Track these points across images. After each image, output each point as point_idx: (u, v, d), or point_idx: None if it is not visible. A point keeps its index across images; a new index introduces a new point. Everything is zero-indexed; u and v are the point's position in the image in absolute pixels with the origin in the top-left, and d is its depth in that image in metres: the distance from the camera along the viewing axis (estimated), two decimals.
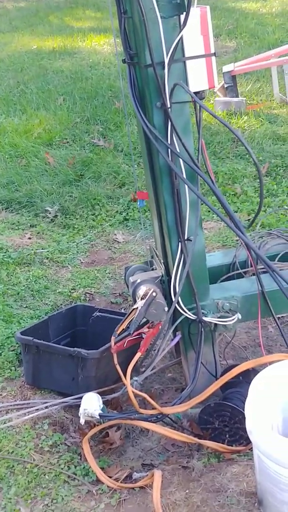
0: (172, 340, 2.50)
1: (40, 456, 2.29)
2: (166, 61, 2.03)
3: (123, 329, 2.37)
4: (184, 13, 1.97)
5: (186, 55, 2.07)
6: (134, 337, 2.36)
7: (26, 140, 5.31)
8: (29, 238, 3.83)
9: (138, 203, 2.53)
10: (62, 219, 4.09)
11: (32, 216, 4.16)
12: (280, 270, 2.57)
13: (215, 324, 2.42)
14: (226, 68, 5.35)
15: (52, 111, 6.10)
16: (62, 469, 2.25)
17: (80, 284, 3.38)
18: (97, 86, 6.47)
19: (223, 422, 2.33)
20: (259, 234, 2.84)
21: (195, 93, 2.13)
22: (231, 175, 4.31)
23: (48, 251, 3.67)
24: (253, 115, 5.19)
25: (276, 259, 2.66)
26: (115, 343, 2.34)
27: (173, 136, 2.14)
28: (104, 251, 3.73)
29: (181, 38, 2.03)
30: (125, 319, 2.39)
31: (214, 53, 2.09)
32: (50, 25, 11.06)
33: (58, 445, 2.36)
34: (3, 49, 9.71)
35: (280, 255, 2.68)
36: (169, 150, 2.15)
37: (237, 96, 5.35)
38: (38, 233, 3.94)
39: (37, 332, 2.72)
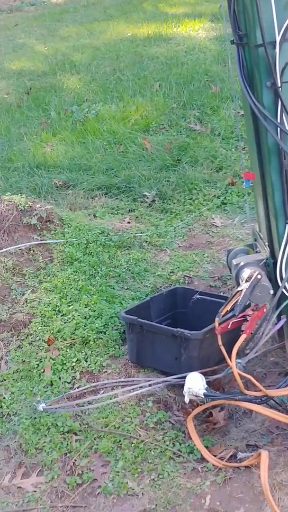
0: (277, 323, 2.48)
1: (145, 432, 2.35)
2: (278, 40, 2.01)
3: (227, 311, 2.38)
4: None
5: None
6: (238, 319, 2.37)
7: (123, 126, 5.39)
8: (128, 223, 3.91)
9: (244, 183, 2.52)
10: (160, 203, 4.14)
11: (131, 201, 4.23)
12: None
13: None
14: None
15: (149, 97, 6.15)
16: (167, 446, 2.30)
17: (178, 267, 3.42)
18: (193, 71, 6.45)
19: None
20: None
21: None
22: None
23: (146, 234, 3.73)
24: None
25: None
26: (219, 324, 2.35)
27: (283, 115, 2.12)
28: (202, 235, 3.75)
29: None
30: (229, 301, 2.39)
31: None
32: (144, 12, 11.11)
33: (163, 422, 2.42)
34: (98, 37, 9.88)
35: None
36: (278, 129, 2.13)
37: None
38: (136, 217, 4.01)
39: (139, 312, 2.79)
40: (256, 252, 2.61)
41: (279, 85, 2.07)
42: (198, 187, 4.22)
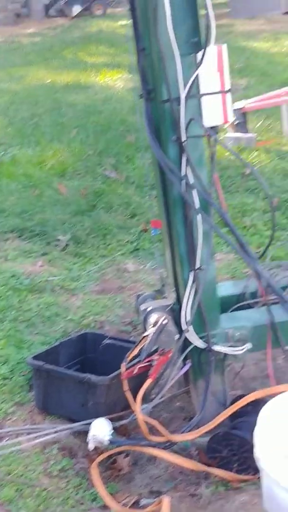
0: (182, 368, 2.54)
1: (49, 480, 2.31)
2: (183, 96, 2.11)
3: (134, 356, 2.41)
4: (201, 51, 2.07)
5: (202, 91, 2.16)
6: (144, 364, 2.40)
7: (39, 171, 5.43)
8: (41, 266, 3.90)
9: (152, 231, 2.60)
10: (74, 247, 4.16)
11: (44, 245, 4.23)
12: None
13: (225, 354, 2.46)
14: (237, 105, 5.48)
15: (66, 143, 6.24)
16: (70, 493, 2.26)
17: (90, 311, 3.43)
18: (110, 120, 6.62)
19: (232, 451, 2.35)
20: (268, 266, 2.89)
21: (210, 128, 2.23)
22: (241, 209, 4.39)
23: (59, 278, 3.73)
24: (263, 151, 5.30)
25: (286, 290, 2.71)
26: (125, 370, 2.37)
27: (187, 168, 2.22)
28: (114, 279, 3.79)
29: (198, 75, 2.12)
30: (135, 346, 2.43)
31: (229, 89, 2.18)
32: (64, 59, 11.34)
33: (67, 470, 2.38)
34: (18, 82, 9.96)
35: None
36: (182, 182, 2.22)
37: (247, 132, 5.47)
38: (49, 261, 4.00)
39: (48, 358, 2.76)
40: (164, 297, 2.68)
41: (184, 139, 2.17)
42: (112, 232, 4.29)
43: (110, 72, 9.31)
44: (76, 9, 17.72)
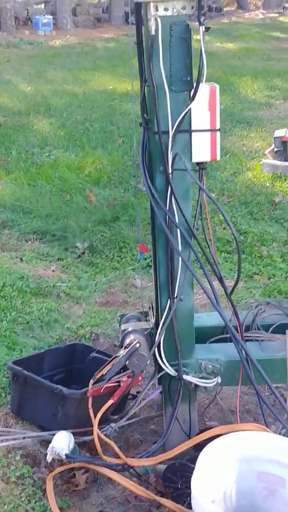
0: (152, 393, 2.57)
1: (4, 486, 2.38)
2: (171, 132, 2.15)
3: (103, 374, 2.46)
4: (193, 89, 2.11)
5: (193, 127, 2.19)
6: (111, 384, 2.44)
7: (76, 176, 5.55)
8: (53, 271, 3.99)
9: (139, 255, 2.64)
10: (89, 256, 4.24)
11: (62, 250, 4.33)
12: (269, 340, 2.62)
13: (196, 384, 2.48)
14: (278, 133, 5.44)
15: (109, 151, 6.35)
16: (22, 501, 2.32)
17: (89, 322, 3.50)
18: None
19: (186, 483, 2.35)
20: (257, 302, 2.88)
21: (198, 163, 2.26)
22: (261, 237, 4.36)
23: (67, 285, 3.82)
24: None
25: (270, 329, 2.70)
26: (92, 388, 2.42)
27: (172, 201, 2.25)
28: (120, 293, 3.84)
29: (189, 111, 2.16)
30: (105, 365, 2.48)
31: (219, 129, 2.20)
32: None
33: (26, 477, 2.44)
34: (81, 86, 10.18)
35: (275, 325, 2.71)
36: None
37: (286, 160, 5.42)
38: (63, 266, 4.10)
39: (30, 364, 2.84)
40: (146, 320, 2.72)
41: (170, 172, 2.21)
42: (128, 246, 4.34)
43: None
44: None
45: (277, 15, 22.89)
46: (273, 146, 5.49)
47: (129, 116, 7.65)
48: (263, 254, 4.16)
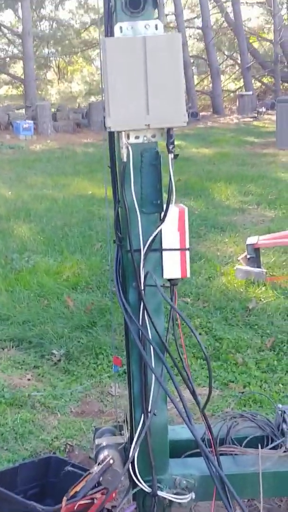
0: (128, 508, 2.52)
1: None
2: (143, 251, 2.26)
3: (76, 491, 2.41)
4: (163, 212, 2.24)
5: (163, 246, 2.30)
6: (85, 502, 2.40)
7: (53, 281, 5.64)
8: (29, 380, 3.97)
9: (113, 368, 2.67)
10: (65, 363, 4.23)
11: (38, 357, 4.32)
12: (242, 454, 2.62)
13: (170, 500, 2.44)
14: (250, 240, 5.65)
15: (87, 256, 6.49)
16: None
17: (64, 433, 3.45)
18: None
19: None
20: (232, 414, 2.89)
21: (170, 279, 2.36)
22: (236, 344, 4.41)
23: (42, 395, 3.79)
24: (271, 287, 5.38)
25: (244, 442, 2.70)
26: (65, 505, 2.37)
27: (145, 316, 2.32)
28: (96, 402, 3.82)
29: (160, 231, 2.28)
30: (80, 481, 2.44)
31: (188, 248, 2.31)
32: (109, 173, 11.92)
33: None
34: (61, 190, 10.52)
35: (248, 439, 2.71)
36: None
37: (258, 267, 5.59)
38: (39, 375, 4.08)
39: (4, 478, 2.78)
40: (121, 434, 2.70)
41: (142, 288, 2.30)
42: (105, 352, 4.36)
43: None
44: None
45: (251, 119, 24.10)
46: (245, 252, 5.68)
47: (107, 221, 7.87)
48: (238, 361, 4.20)
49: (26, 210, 8.75)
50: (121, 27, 2.06)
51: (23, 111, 23.39)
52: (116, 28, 2.06)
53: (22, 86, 26.55)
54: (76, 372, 4.15)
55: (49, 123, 20.46)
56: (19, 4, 24.64)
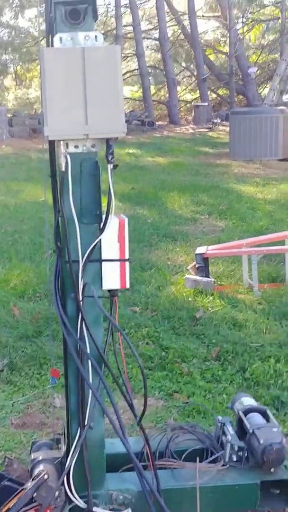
0: None
1: None
2: (81, 262, 2.23)
3: (9, 508, 2.35)
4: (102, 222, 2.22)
5: (103, 257, 2.28)
6: None
7: (0, 289, 5.53)
8: None
9: (50, 380, 2.63)
10: (8, 374, 4.15)
11: None
12: (181, 468, 2.61)
13: None
14: (199, 250, 5.69)
15: (36, 263, 6.40)
16: None
17: (3, 446, 3.37)
18: None
19: None
20: (173, 426, 2.88)
21: (109, 290, 2.33)
22: (182, 353, 4.41)
23: None
24: (219, 297, 5.41)
25: (183, 455, 2.69)
26: None
27: (83, 328, 2.29)
28: (38, 414, 3.75)
29: (99, 242, 2.25)
30: (12, 498, 2.38)
31: (128, 259, 2.30)
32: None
33: None
34: (13, 196, 10.38)
35: (188, 451, 2.70)
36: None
37: (207, 277, 5.62)
38: None
39: None
40: (58, 448, 2.66)
41: (80, 299, 2.27)
42: (49, 362, 4.29)
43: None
44: None
45: (206, 130, 24.37)
46: (194, 262, 5.71)
47: None
48: (183, 371, 4.19)
49: None
50: (60, 38, 2.03)
51: None
52: (56, 39, 2.04)
53: None
54: (19, 382, 4.07)
55: (5, 129, 20.21)
56: None
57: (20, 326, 4.78)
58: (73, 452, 2.35)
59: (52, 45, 2.09)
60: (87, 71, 1.98)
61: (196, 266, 5.64)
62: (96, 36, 2.06)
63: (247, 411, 2.80)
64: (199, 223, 8.64)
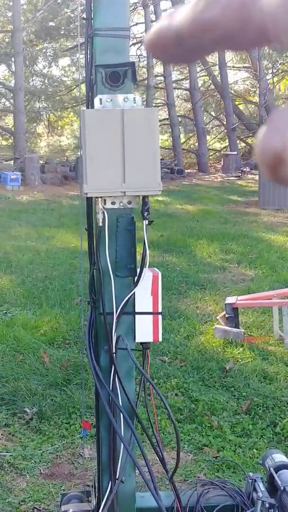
0: None
1: None
2: (115, 314, 2.27)
3: None
4: (137, 276, 2.27)
5: (136, 310, 2.32)
6: None
7: (30, 335, 5.58)
8: None
9: (82, 432, 2.63)
10: (37, 423, 4.15)
11: (10, 415, 4.24)
12: None
13: None
14: (229, 300, 5.68)
15: (66, 310, 6.46)
16: None
17: (31, 497, 3.36)
18: None
19: None
20: (202, 482, 2.84)
21: (142, 343, 2.36)
22: (212, 406, 4.37)
23: (11, 455, 3.70)
24: (249, 348, 5.37)
25: (214, 511, 2.65)
26: None
27: (116, 380, 2.31)
28: (66, 464, 3.73)
29: (133, 295, 2.30)
30: None
31: (161, 312, 2.33)
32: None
33: None
34: (44, 243, 10.54)
35: (218, 507, 2.66)
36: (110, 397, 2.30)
37: (237, 327, 5.60)
38: (9, 433, 3.99)
39: None
40: (88, 500, 2.64)
41: (114, 351, 2.29)
42: (78, 412, 4.28)
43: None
44: None
45: (235, 178, 24.57)
46: (224, 312, 5.70)
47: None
48: (213, 424, 4.15)
49: (8, 261, 8.74)
50: (100, 99, 2.13)
51: (11, 162, 23.64)
52: (96, 100, 2.13)
53: (12, 138, 26.94)
54: (48, 432, 4.07)
55: (37, 175, 20.68)
56: (13, 59, 25.25)
57: (49, 374, 4.80)
58: (104, 506, 2.33)
59: (92, 106, 2.19)
60: (126, 132, 2.06)
61: (226, 316, 5.63)
62: (134, 98, 2.14)
63: (278, 468, 2.76)
64: (228, 272, 8.65)
